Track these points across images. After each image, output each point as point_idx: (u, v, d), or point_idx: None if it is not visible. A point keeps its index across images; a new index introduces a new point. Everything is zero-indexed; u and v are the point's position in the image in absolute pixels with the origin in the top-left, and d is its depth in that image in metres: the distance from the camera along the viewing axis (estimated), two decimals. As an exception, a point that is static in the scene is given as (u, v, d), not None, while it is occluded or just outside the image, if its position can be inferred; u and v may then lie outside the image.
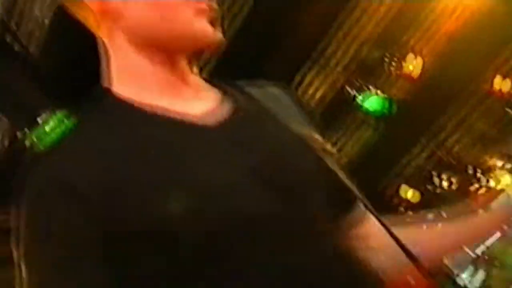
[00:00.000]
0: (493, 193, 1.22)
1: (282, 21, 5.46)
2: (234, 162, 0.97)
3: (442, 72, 6.01)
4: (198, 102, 1.03)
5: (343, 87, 6.02)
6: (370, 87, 5.85)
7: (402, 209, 6.34)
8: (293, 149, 1.05)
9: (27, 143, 3.45)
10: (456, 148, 6.82)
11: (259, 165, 0.98)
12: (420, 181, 6.64)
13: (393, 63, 6.04)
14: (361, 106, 5.79)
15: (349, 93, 5.88)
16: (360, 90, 5.82)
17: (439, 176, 6.67)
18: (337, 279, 1.01)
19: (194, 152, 0.97)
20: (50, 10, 4.33)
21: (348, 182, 1.10)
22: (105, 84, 1.04)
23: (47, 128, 3.35)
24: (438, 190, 6.52)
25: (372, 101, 5.73)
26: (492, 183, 6.47)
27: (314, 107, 6.25)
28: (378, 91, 5.78)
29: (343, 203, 1.11)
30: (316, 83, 6.18)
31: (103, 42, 1.04)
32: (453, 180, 6.58)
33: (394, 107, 5.66)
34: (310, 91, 6.23)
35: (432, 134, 6.73)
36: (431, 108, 6.25)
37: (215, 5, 1.04)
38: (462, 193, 6.25)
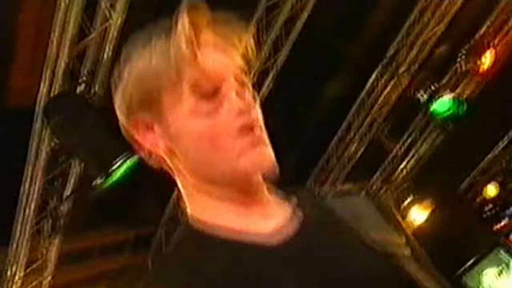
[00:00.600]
0: None
1: (347, 27, 5.42)
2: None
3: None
4: (268, 221, 1.03)
5: (413, 90, 5.93)
6: (440, 88, 5.73)
7: (486, 207, 6.18)
8: (366, 269, 1.01)
9: (96, 184, 3.66)
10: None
11: None
12: (504, 178, 6.45)
13: (466, 60, 5.87)
14: (430, 109, 5.70)
15: (420, 96, 5.79)
16: (429, 92, 5.71)
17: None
18: None
19: (262, 275, 0.96)
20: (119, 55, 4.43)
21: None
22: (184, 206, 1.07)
23: (115, 171, 3.56)
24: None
25: (441, 103, 5.63)
26: None
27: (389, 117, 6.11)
28: (448, 93, 5.66)
29: None
30: (387, 88, 6.11)
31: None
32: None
33: (464, 108, 5.53)
34: (382, 97, 6.17)
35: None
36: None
37: (255, 117, 1.02)
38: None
